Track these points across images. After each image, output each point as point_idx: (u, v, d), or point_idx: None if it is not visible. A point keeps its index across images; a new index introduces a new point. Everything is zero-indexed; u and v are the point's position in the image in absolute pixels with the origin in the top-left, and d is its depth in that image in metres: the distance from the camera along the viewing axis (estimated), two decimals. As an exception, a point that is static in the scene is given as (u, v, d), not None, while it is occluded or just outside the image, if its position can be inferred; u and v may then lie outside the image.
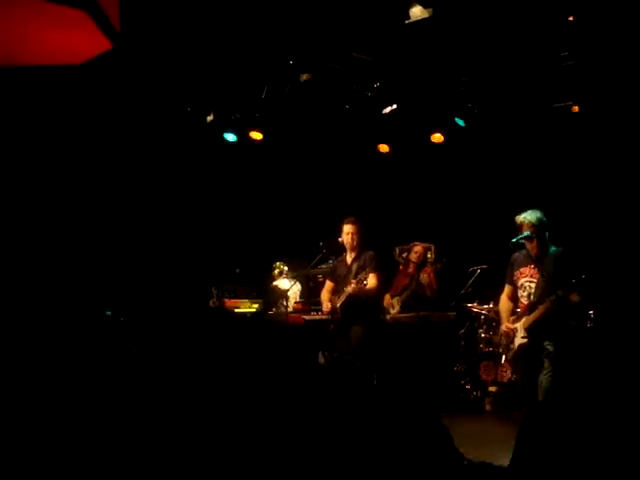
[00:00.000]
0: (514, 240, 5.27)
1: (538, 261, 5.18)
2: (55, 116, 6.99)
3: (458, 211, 8.27)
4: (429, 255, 7.67)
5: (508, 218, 7.12)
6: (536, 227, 5.16)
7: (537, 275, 5.17)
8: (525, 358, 5.17)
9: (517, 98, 6.96)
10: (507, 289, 5.43)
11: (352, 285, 6.04)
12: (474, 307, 7.20)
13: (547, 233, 5.22)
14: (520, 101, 7.00)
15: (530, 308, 5.12)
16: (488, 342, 7.14)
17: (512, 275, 5.32)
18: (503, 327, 5.42)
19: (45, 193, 7.15)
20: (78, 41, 3.22)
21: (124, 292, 7.28)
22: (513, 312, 5.38)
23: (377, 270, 6.17)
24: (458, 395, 7.11)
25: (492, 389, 6.79)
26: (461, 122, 7.38)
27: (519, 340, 5.21)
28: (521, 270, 5.27)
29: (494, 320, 7.12)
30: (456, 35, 5.96)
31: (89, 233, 7.50)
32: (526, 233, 5.24)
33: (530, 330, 5.11)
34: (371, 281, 6.10)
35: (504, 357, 5.85)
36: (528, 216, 5.20)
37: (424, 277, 6.96)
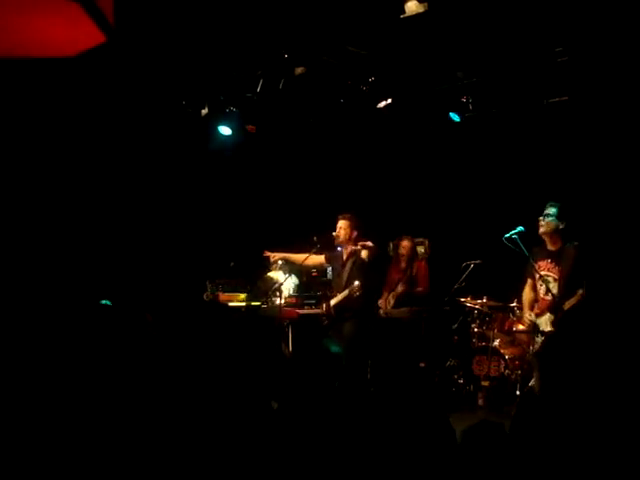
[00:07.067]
0: (507, 235, 5.33)
1: (554, 256, 5.28)
2: (49, 107, 6.96)
3: (452, 205, 8.27)
4: (422, 249, 7.68)
5: (502, 212, 7.17)
6: (559, 216, 5.27)
7: (554, 270, 5.27)
8: None
9: (511, 93, 6.97)
10: (529, 281, 5.54)
11: (344, 293, 6.34)
12: (467, 302, 7.22)
13: (562, 227, 5.30)
14: (514, 96, 7.01)
15: (554, 305, 5.18)
16: (481, 337, 7.16)
17: (532, 268, 5.40)
18: (525, 317, 5.54)
19: (39, 185, 7.12)
20: (72, 33, 3.21)
21: (119, 285, 7.26)
22: (534, 302, 5.48)
23: (363, 277, 6.36)
24: (451, 390, 7.14)
25: (485, 383, 6.81)
26: (456, 117, 7.39)
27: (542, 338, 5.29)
28: (539, 264, 5.35)
29: (487, 315, 7.15)
30: (451, 30, 5.96)
31: (84, 226, 7.47)
32: (519, 228, 5.32)
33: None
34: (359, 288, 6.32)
35: (530, 349, 5.95)
36: (548, 210, 5.32)
37: (414, 275, 7.01)
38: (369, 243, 6.34)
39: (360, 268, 6.44)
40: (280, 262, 7.98)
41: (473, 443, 2.16)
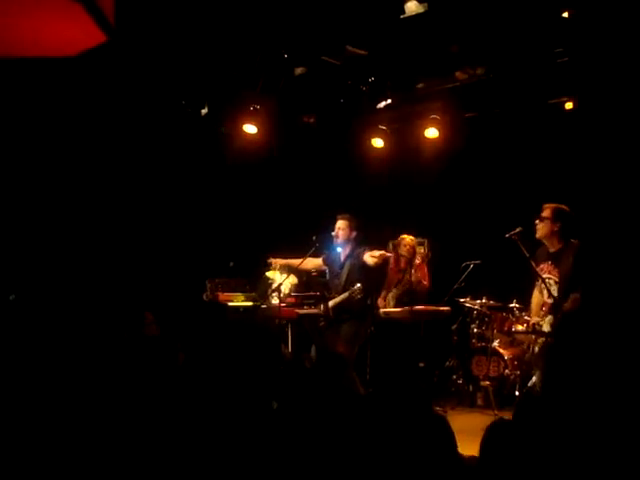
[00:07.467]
0: (507, 235, 5.34)
1: (554, 258, 5.27)
2: (49, 107, 6.96)
3: (452, 206, 8.27)
4: (422, 250, 7.67)
5: (502, 213, 7.17)
6: (552, 219, 5.26)
7: (554, 272, 5.26)
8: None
9: (511, 93, 6.98)
10: (536, 285, 5.55)
11: (344, 295, 6.40)
12: (467, 302, 7.21)
13: (557, 229, 5.29)
14: (514, 96, 7.01)
15: (554, 307, 5.17)
16: (480, 337, 7.16)
17: (535, 271, 5.40)
18: (532, 320, 5.57)
19: (39, 185, 7.12)
20: (73, 33, 3.21)
21: (119, 284, 7.26)
22: (541, 305, 5.48)
23: (365, 279, 6.42)
24: (450, 390, 7.14)
25: (484, 384, 6.82)
26: None
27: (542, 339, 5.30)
28: (541, 266, 5.35)
29: (486, 315, 7.15)
30: (451, 31, 5.97)
31: (85, 226, 7.47)
32: (519, 228, 5.33)
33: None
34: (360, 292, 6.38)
35: (530, 350, 5.93)
36: (542, 212, 5.32)
37: (414, 275, 6.98)
38: (386, 254, 6.38)
39: (361, 270, 6.45)
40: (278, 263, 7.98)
41: (495, 442, 2.16)
